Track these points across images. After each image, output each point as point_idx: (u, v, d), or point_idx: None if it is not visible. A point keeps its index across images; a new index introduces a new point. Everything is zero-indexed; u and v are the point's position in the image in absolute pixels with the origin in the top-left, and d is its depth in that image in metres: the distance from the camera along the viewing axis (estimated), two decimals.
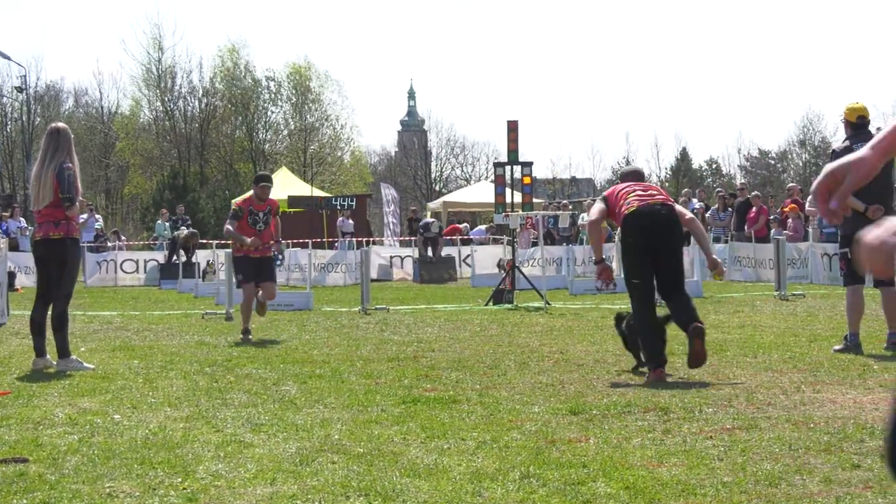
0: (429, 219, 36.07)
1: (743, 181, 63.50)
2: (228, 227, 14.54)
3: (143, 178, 74.29)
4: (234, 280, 14.89)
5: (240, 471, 6.19)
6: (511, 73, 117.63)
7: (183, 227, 35.41)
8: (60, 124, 12.40)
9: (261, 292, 15.46)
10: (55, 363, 11.43)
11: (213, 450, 6.90)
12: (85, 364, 11.56)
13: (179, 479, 5.93)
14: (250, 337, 14.38)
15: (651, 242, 10.14)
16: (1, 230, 30.34)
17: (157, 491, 5.65)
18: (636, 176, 11.97)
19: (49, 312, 11.71)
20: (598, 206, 11.47)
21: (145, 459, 6.52)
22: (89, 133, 73.69)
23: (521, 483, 5.71)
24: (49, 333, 11.65)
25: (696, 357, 9.80)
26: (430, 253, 33.49)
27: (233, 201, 17.72)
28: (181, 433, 7.56)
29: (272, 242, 15.76)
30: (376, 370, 11.62)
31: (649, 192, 10.84)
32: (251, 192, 15.35)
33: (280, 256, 24.05)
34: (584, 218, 32.43)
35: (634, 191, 10.57)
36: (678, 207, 10.69)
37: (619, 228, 11.48)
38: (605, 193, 12.05)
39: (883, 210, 11.39)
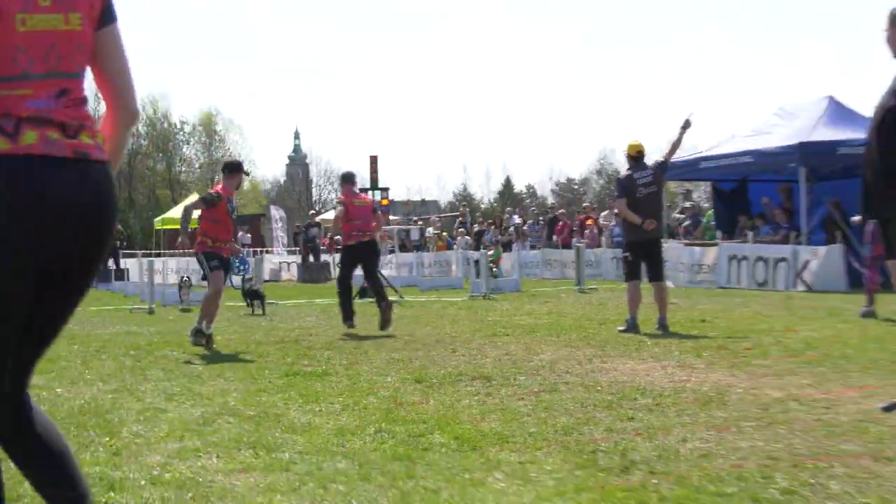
0: (313, 225, 36.72)
1: (553, 202, 65.43)
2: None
3: None
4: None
5: (155, 431, 6.21)
6: (374, 117, 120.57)
7: (116, 242, 35.45)
8: None
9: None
10: None
11: (135, 415, 6.90)
12: None
13: (107, 438, 5.92)
14: (211, 339, 10.93)
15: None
16: None
17: (90, 448, 5.62)
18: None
19: None
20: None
21: (80, 423, 6.50)
22: None
23: (374, 436, 5.84)
24: None
25: (385, 323, 12.67)
26: (311, 259, 33.67)
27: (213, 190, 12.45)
28: (110, 402, 7.52)
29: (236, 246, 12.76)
30: (266, 350, 11.63)
31: None
32: (222, 184, 11.65)
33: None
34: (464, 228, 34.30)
35: None
36: None
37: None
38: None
39: (656, 223, 11.64)
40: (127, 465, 5.20)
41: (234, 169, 10.48)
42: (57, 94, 2.85)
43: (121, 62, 3.07)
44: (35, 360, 3.10)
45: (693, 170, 21.71)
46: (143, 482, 4.80)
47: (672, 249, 20.22)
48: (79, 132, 2.89)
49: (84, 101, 2.97)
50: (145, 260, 23.67)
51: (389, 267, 27.95)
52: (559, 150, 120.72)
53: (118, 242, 35.65)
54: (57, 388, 8.32)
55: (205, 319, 10.64)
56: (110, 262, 31.59)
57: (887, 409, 6.06)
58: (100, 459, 5.33)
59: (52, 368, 9.54)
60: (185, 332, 10.83)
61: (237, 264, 20.75)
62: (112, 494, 4.52)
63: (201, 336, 10.50)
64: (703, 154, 21.43)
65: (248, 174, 10.97)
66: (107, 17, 3.01)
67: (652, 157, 12.08)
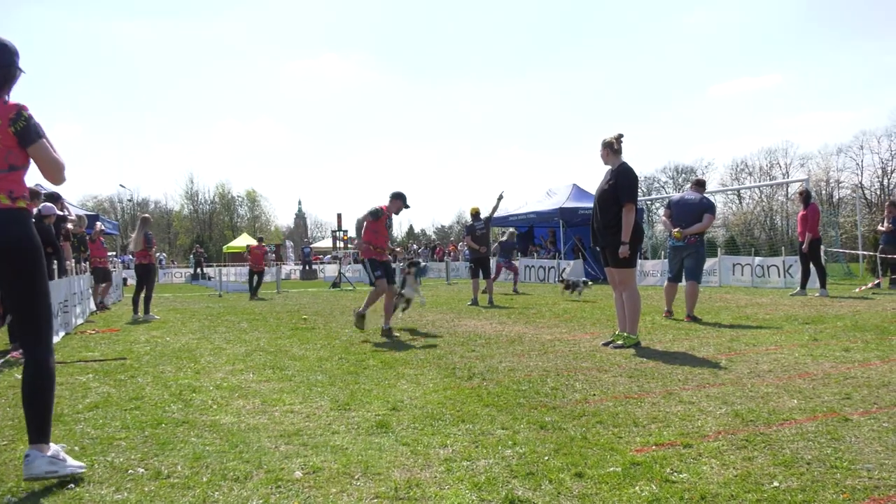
0: (308, 248, 39.00)
1: (434, 237, 69.66)
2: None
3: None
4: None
5: (219, 360, 6.89)
6: (341, 191, 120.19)
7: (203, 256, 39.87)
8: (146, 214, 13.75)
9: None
10: (142, 316, 12.15)
11: (208, 351, 7.52)
12: (155, 316, 12.43)
13: (192, 364, 6.65)
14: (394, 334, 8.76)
15: None
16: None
17: (182, 370, 6.31)
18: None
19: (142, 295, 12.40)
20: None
21: (178, 356, 7.19)
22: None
23: (338, 361, 6.52)
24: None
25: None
26: (307, 267, 36.35)
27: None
28: (195, 344, 8.20)
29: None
30: (281, 316, 12.54)
31: None
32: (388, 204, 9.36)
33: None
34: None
35: None
36: None
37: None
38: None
39: (486, 248, 14.03)
40: (203, 379, 5.79)
41: (396, 196, 9.14)
42: None
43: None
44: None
45: (505, 221, 26.72)
46: (211, 388, 5.38)
47: (494, 262, 24.18)
48: None
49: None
50: (218, 268, 28.28)
51: (349, 271, 30.27)
52: (437, 207, 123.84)
53: (203, 258, 38.56)
54: (166, 338, 8.99)
55: (368, 307, 9.00)
56: (198, 269, 35.56)
57: (605, 344, 7.11)
58: (188, 375, 5.96)
59: (162, 327, 10.40)
60: (353, 313, 9.27)
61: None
62: (194, 395, 5.11)
63: (361, 319, 8.94)
64: (512, 212, 26.91)
65: (407, 207, 9.30)
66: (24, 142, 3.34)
67: (485, 213, 14.35)
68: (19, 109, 3.37)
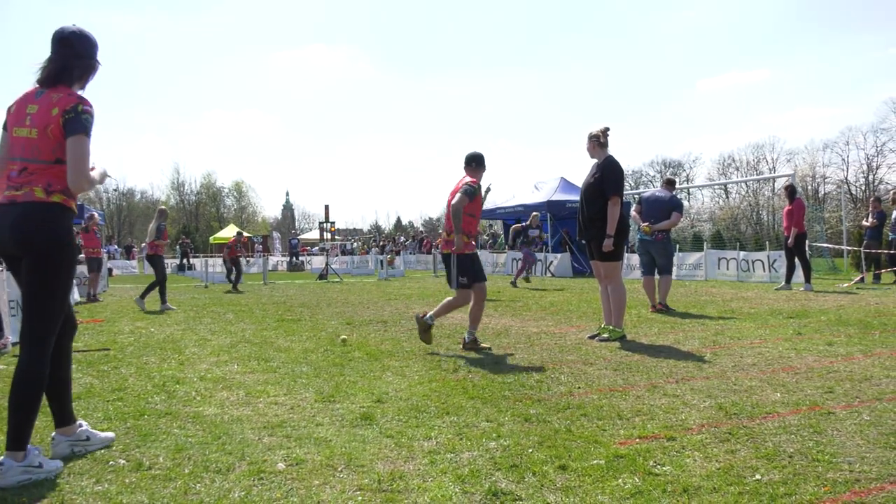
0: (295, 240, 39.05)
1: (421, 230, 68.65)
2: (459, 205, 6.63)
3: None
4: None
5: (203, 351, 6.85)
6: (328, 181, 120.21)
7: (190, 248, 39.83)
8: (162, 207, 13.75)
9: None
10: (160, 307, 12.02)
11: (193, 342, 7.49)
12: (171, 307, 12.42)
13: (177, 355, 6.59)
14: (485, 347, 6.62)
15: None
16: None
17: (167, 361, 6.28)
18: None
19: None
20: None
21: (163, 347, 7.14)
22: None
23: (323, 353, 6.51)
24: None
25: None
26: (294, 259, 36.42)
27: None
28: (179, 335, 8.13)
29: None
30: (267, 307, 12.45)
31: None
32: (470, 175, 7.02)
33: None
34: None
35: None
36: None
37: None
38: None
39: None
40: (187, 370, 5.75)
41: (478, 162, 6.89)
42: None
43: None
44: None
45: (493, 213, 26.99)
46: (195, 379, 5.35)
47: (483, 255, 25.21)
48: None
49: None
50: (204, 259, 27.68)
51: (336, 262, 30.41)
52: (425, 199, 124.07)
53: (190, 249, 38.23)
54: (151, 328, 8.91)
55: (441, 315, 6.90)
56: (184, 260, 35.00)
57: (591, 337, 7.13)
58: (172, 367, 5.92)
59: (148, 318, 10.33)
60: (415, 320, 9.43)
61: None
62: (178, 386, 5.07)
63: (427, 331, 6.67)
64: (499, 205, 27.12)
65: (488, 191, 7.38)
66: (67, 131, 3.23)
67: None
68: (77, 102, 3.27)
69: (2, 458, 3.14)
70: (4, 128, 3.37)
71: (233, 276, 18.58)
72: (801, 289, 13.25)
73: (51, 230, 3.19)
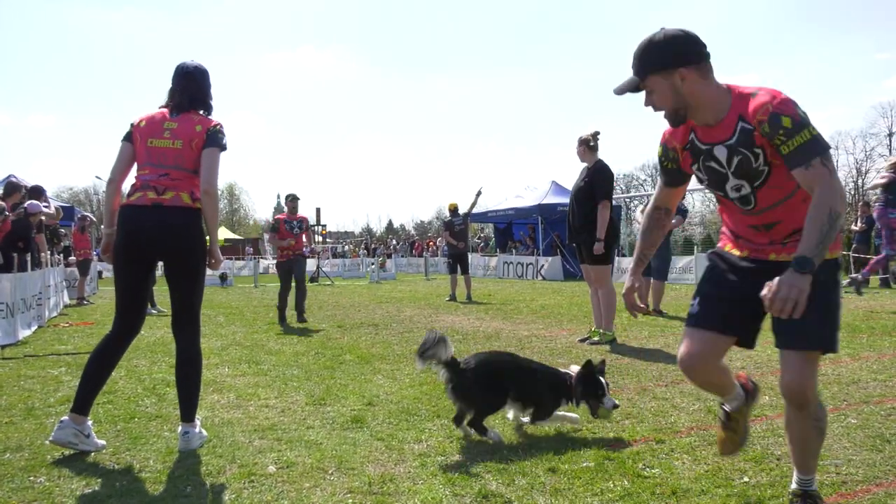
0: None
1: (413, 233, 69.19)
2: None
3: None
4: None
5: None
6: (318, 185, 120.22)
7: None
8: None
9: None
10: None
11: None
12: (162, 309, 12.10)
13: (167, 358, 6.52)
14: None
15: None
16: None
17: (157, 364, 6.28)
18: None
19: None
20: None
21: (153, 350, 7.13)
22: None
23: (314, 356, 6.54)
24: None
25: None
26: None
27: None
28: (170, 338, 7.98)
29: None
30: (258, 310, 12.50)
31: None
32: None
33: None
34: None
35: None
36: None
37: None
38: None
39: (464, 244, 13.84)
40: None
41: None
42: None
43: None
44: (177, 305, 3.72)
45: (485, 216, 27.40)
46: None
47: (474, 258, 25.20)
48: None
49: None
50: None
51: (327, 265, 30.58)
52: (416, 202, 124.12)
53: None
54: (141, 331, 9.12)
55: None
56: None
57: (582, 340, 7.20)
58: (162, 370, 5.95)
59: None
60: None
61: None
62: (168, 389, 5.03)
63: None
64: (490, 208, 27.44)
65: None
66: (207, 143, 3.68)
67: (464, 209, 14.30)
68: (218, 124, 3.75)
69: (182, 427, 3.62)
70: (128, 140, 3.72)
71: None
72: None
73: (198, 233, 3.65)
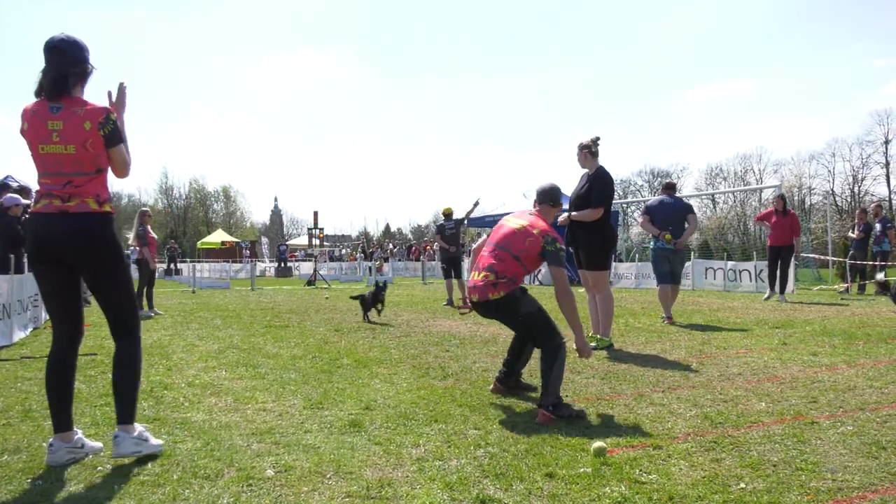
0: (284, 246, 40.34)
1: (410, 237, 69.97)
2: None
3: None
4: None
5: (191, 357, 6.88)
6: (316, 188, 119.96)
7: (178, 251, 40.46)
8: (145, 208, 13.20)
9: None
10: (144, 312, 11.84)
11: (181, 348, 7.49)
12: (159, 312, 12.14)
13: (164, 361, 6.59)
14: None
15: None
16: None
17: (154, 367, 6.24)
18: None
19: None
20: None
21: (150, 353, 7.02)
22: None
23: (311, 360, 6.52)
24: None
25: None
26: (282, 265, 37.37)
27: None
28: (167, 341, 8.14)
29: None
30: (255, 313, 12.45)
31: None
32: None
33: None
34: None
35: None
36: None
37: None
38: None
39: (456, 248, 13.97)
40: (174, 376, 5.76)
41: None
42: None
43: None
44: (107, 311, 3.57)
45: (482, 221, 26.83)
46: (183, 385, 5.36)
47: (466, 263, 24.96)
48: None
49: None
50: (191, 264, 28.94)
51: (324, 269, 30.81)
52: (414, 206, 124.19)
53: (177, 253, 38.47)
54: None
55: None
56: (171, 264, 35.17)
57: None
58: (160, 372, 5.92)
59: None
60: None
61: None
62: (166, 392, 5.08)
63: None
64: (488, 213, 26.87)
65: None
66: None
67: (459, 214, 14.44)
68: (108, 112, 3.47)
69: (117, 430, 3.49)
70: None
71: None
72: (777, 299, 13.31)
73: (111, 236, 3.49)
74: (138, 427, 3.55)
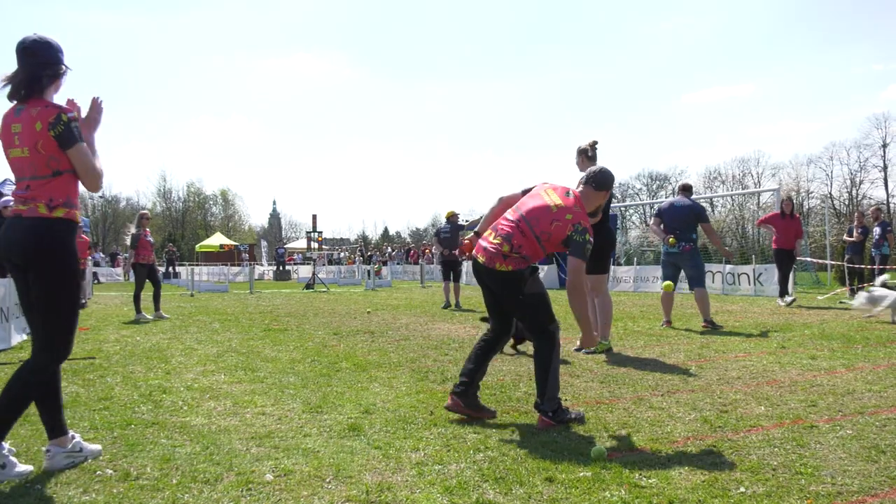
0: (282, 249, 40.30)
1: (408, 240, 70.18)
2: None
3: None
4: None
5: (190, 360, 6.87)
6: (314, 192, 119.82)
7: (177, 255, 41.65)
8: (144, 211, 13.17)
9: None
10: (150, 316, 11.91)
11: (179, 351, 7.50)
12: (164, 314, 12.31)
13: (163, 364, 6.60)
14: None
15: None
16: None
17: (153, 370, 6.27)
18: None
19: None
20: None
21: (149, 356, 7.13)
22: None
23: (310, 364, 6.51)
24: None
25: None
26: (280, 268, 36.78)
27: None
28: (165, 344, 8.14)
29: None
30: (253, 316, 12.40)
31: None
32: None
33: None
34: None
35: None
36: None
37: None
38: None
39: (450, 251, 14.04)
40: (173, 380, 5.76)
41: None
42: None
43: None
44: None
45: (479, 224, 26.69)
46: (182, 388, 5.36)
47: (465, 265, 24.95)
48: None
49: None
50: (190, 267, 29.12)
51: (323, 272, 30.85)
52: (413, 209, 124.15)
53: (175, 256, 38.79)
54: (136, 337, 8.90)
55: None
56: (170, 268, 35.41)
57: (578, 349, 7.18)
58: (159, 376, 5.93)
59: (132, 327, 10.28)
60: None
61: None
62: (165, 395, 5.07)
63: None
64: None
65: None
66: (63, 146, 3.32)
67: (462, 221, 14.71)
68: (59, 113, 3.32)
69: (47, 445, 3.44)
70: None
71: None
72: (777, 302, 13.29)
73: (53, 243, 3.30)
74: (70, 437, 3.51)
